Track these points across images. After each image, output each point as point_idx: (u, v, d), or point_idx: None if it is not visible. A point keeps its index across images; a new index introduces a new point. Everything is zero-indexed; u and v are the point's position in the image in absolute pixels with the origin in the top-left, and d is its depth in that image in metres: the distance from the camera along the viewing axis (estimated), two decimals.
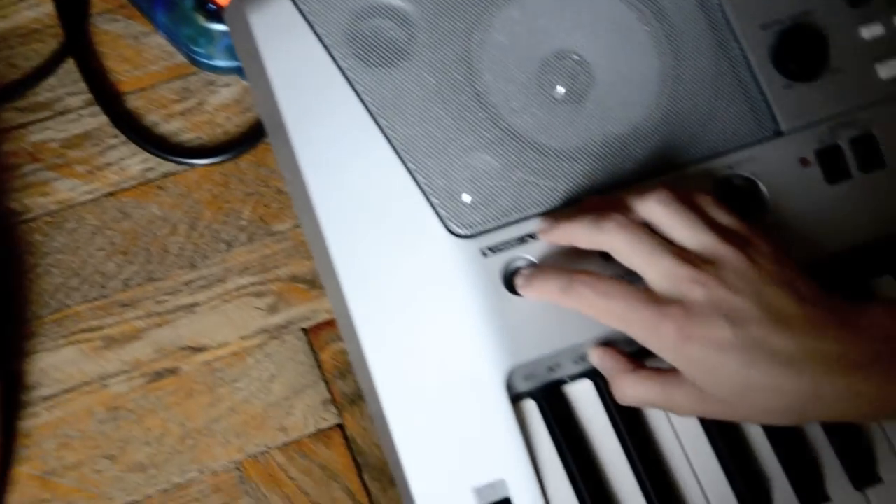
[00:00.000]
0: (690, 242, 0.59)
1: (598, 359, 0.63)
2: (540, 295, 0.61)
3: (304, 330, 0.75)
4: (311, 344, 0.75)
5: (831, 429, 0.64)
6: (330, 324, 0.75)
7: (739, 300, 0.57)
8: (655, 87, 0.66)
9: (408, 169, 0.64)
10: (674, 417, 0.64)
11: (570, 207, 0.64)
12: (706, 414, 0.59)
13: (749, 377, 0.56)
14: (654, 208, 0.60)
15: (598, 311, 0.59)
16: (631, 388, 0.61)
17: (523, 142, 0.65)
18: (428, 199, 0.63)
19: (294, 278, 0.76)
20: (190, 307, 0.75)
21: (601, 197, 0.64)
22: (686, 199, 0.60)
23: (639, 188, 0.62)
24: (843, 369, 0.56)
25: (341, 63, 0.65)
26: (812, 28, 0.66)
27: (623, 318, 0.58)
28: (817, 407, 0.56)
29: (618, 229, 0.59)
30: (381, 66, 0.65)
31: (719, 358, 0.56)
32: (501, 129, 0.65)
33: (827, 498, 0.63)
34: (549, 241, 0.63)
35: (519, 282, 0.62)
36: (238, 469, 0.72)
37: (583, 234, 0.61)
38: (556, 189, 0.64)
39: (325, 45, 0.65)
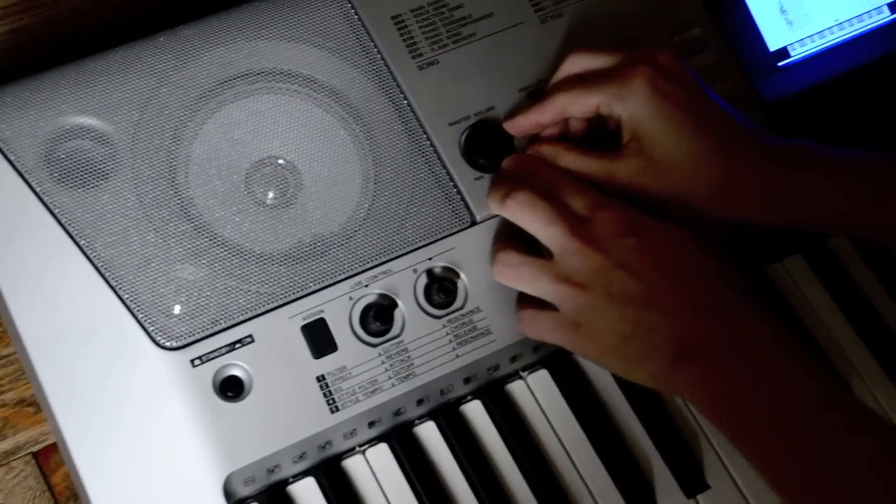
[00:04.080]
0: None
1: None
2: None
3: (34, 454, 0.74)
4: (41, 468, 0.74)
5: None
6: None
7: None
8: (358, 187, 0.69)
9: (112, 287, 0.64)
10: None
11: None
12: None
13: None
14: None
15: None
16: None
17: (229, 250, 0.66)
18: (134, 315, 0.64)
19: (21, 402, 0.75)
20: None
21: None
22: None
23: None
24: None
25: (37, 188, 0.65)
26: (496, 122, 0.70)
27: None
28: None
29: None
30: (80, 187, 0.66)
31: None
32: (207, 239, 0.66)
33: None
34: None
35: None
36: None
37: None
38: (263, 293, 0.66)
39: (18, 171, 0.65)
